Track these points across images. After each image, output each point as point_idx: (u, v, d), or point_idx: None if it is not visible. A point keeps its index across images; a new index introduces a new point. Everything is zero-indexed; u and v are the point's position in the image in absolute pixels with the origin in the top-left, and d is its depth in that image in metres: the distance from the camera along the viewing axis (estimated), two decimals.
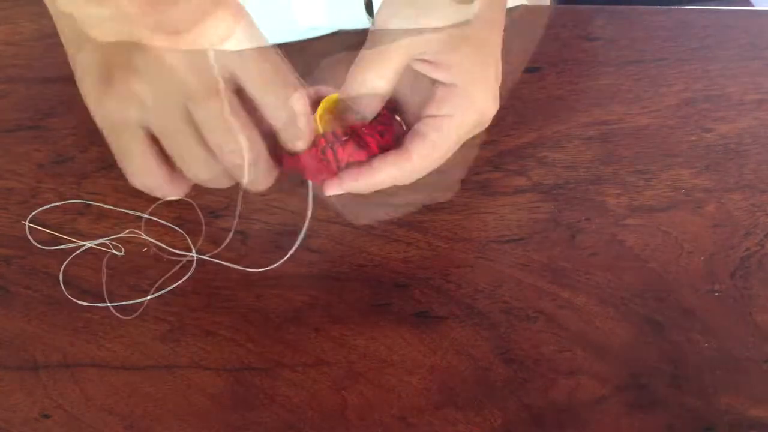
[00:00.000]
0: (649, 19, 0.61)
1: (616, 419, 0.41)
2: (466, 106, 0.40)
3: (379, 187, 0.41)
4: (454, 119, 0.40)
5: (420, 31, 0.40)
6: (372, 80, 0.40)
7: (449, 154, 0.41)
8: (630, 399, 0.42)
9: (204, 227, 0.48)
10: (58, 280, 0.46)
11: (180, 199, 0.49)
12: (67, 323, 0.44)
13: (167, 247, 0.47)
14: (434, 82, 0.41)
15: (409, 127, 0.42)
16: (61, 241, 0.48)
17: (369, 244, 0.48)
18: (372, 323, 0.45)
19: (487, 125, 0.42)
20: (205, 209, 0.49)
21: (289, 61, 0.37)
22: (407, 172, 0.40)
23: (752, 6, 0.92)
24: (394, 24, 0.40)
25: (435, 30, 0.40)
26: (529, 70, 0.56)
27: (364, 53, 0.40)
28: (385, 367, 0.43)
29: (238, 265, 0.47)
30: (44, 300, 0.45)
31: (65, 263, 0.47)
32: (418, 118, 0.41)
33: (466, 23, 0.41)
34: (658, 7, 0.63)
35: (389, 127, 0.42)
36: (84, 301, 0.45)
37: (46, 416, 0.41)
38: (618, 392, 0.42)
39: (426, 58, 0.40)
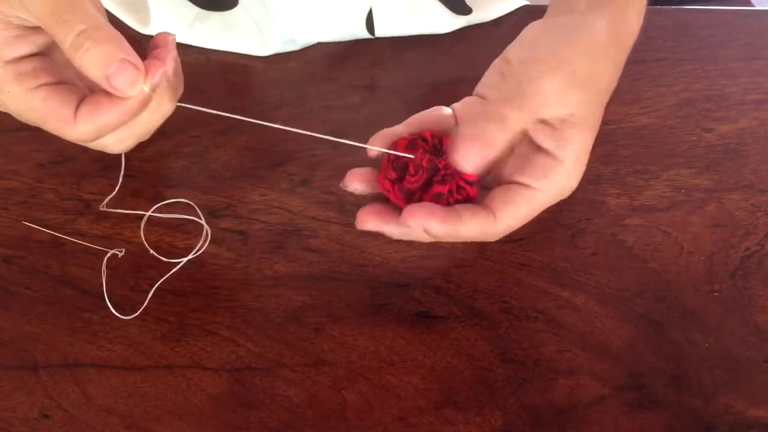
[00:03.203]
0: (649, 19, 0.61)
1: (616, 419, 0.41)
2: (563, 186, 0.38)
3: (454, 239, 0.38)
4: (547, 195, 0.38)
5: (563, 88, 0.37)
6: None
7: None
8: (630, 399, 0.42)
9: (204, 227, 0.48)
10: (58, 280, 0.46)
11: (180, 200, 0.50)
12: (67, 323, 0.44)
13: (167, 247, 0.48)
14: (537, 146, 0.38)
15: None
16: (61, 241, 0.48)
17: (369, 244, 0.48)
18: (372, 323, 0.45)
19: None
20: (205, 209, 0.49)
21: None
22: (487, 234, 0.38)
23: (752, 6, 0.92)
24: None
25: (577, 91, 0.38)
26: None
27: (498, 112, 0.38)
28: (385, 367, 0.43)
29: (239, 264, 0.47)
30: (44, 300, 0.45)
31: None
32: (501, 175, 0.39)
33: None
34: (658, 7, 0.63)
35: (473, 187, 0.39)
36: (84, 301, 0.45)
37: (46, 416, 0.41)
38: (618, 392, 0.42)
39: (549, 119, 0.38)
